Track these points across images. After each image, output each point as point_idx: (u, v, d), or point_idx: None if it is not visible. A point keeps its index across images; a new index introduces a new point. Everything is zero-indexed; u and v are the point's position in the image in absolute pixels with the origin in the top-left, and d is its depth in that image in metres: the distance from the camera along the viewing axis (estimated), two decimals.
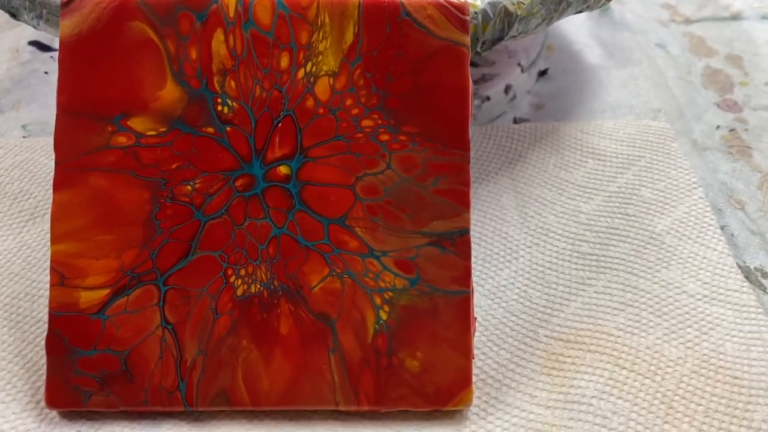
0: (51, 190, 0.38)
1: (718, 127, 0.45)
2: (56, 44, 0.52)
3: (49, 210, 0.37)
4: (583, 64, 0.51)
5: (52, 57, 0.51)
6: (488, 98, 0.45)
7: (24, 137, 0.43)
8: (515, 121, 0.45)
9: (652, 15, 0.57)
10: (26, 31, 0.52)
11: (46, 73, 0.49)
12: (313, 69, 0.30)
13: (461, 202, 0.29)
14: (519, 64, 0.47)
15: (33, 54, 0.51)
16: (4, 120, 0.45)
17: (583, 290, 0.34)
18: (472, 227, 0.36)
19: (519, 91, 0.47)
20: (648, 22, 0.56)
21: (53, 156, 0.40)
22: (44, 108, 0.46)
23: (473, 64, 0.47)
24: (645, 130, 0.43)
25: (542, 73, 0.49)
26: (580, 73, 0.49)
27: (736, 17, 0.57)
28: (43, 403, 0.29)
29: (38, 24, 0.34)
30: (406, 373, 0.29)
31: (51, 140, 0.41)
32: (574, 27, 0.54)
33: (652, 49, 0.53)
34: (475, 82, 0.45)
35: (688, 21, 0.56)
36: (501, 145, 0.42)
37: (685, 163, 0.41)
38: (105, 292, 0.29)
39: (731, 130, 0.45)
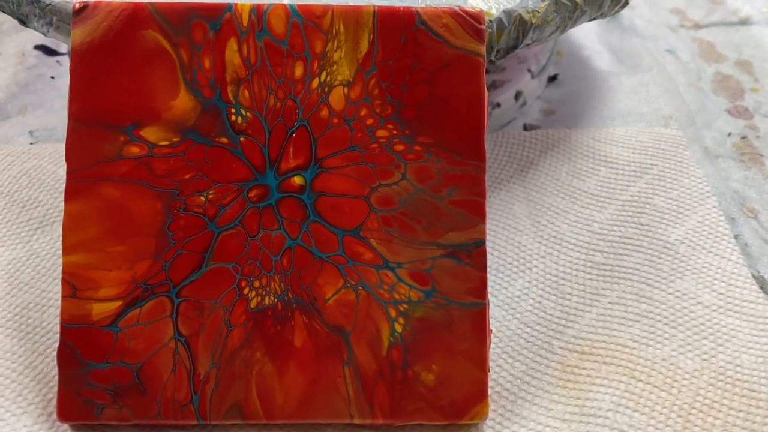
0: (60, 198, 0.38)
1: (729, 134, 0.45)
2: (63, 48, 0.51)
3: (59, 218, 0.37)
4: (593, 70, 0.50)
5: (58, 61, 0.50)
6: (499, 105, 0.45)
7: (31, 143, 0.43)
8: (525, 127, 0.45)
9: (661, 20, 0.57)
10: (32, 36, 0.52)
11: (52, 77, 0.49)
12: (328, 78, 0.29)
13: (477, 213, 0.29)
14: (529, 70, 0.47)
15: (39, 58, 0.50)
16: (11, 125, 0.45)
17: (597, 301, 0.34)
18: None
19: (529, 97, 0.47)
20: (657, 28, 0.56)
21: (62, 163, 0.40)
22: (51, 113, 0.45)
23: None
24: (657, 138, 0.42)
25: (552, 79, 0.49)
26: (590, 79, 0.49)
27: (745, 22, 0.56)
28: (54, 416, 0.29)
29: (48, 31, 0.34)
30: (421, 386, 0.28)
31: (59, 147, 0.41)
32: (584, 32, 0.54)
33: (662, 55, 0.52)
34: (486, 89, 0.45)
35: (697, 26, 0.56)
36: (512, 152, 0.42)
37: (698, 171, 0.40)
38: (117, 303, 0.28)
39: (743, 138, 0.45)
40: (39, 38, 0.52)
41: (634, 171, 0.40)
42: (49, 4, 0.33)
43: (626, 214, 0.38)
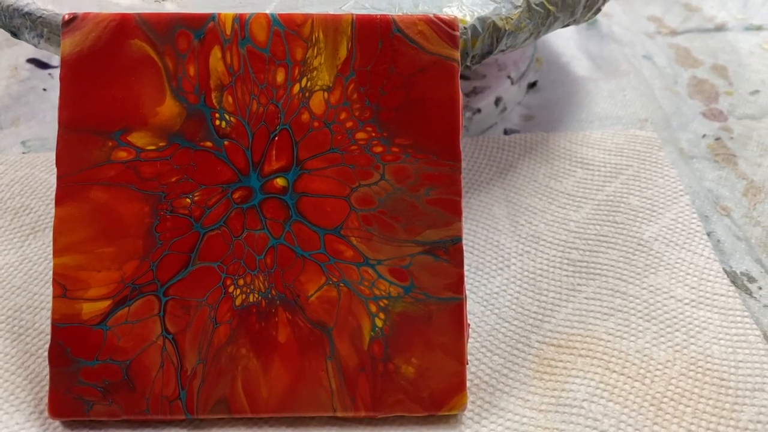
0: (51, 205, 0.39)
1: (704, 135, 0.46)
2: (54, 62, 0.52)
3: (50, 224, 0.38)
4: (572, 76, 0.52)
5: (50, 74, 0.51)
6: (479, 110, 0.46)
7: (24, 153, 0.44)
8: (506, 132, 0.46)
9: (638, 27, 0.58)
10: (24, 49, 0.53)
11: (44, 89, 0.50)
12: (308, 84, 0.30)
13: (453, 211, 0.30)
14: (509, 77, 0.48)
15: (31, 71, 0.52)
16: (3, 136, 0.46)
17: (573, 296, 0.35)
18: (465, 236, 0.37)
19: (509, 103, 0.48)
20: (635, 35, 0.57)
21: (53, 171, 0.41)
22: (43, 124, 0.47)
23: (464, 78, 0.48)
24: (632, 140, 0.44)
25: (532, 86, 0.51)
26: (569, 85, 0.51)
27: (720, 29, 0.58)
28: (46, 414, 0.30)
29: (39, 43, 0.35)
30: (401, 378, 0.29)
31: (51, 156, 0.42)
32: (563, 40, 0.55)
33: (638, 61, 0.54)
34: (467, 95, 0.46)
35: (674, 33, 0.58)
36: (492, 155, 0.43)
37: (671, 171, 0.42)
38: (106, 303, 0.29)
39: (717, 139, 0.46)
40: (31, 52, 0.53)
41: (609, 171, 0.42)
42: (40, 17, 0.34)
43: (602, 213, 0.39)
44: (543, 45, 0.55)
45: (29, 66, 0.52)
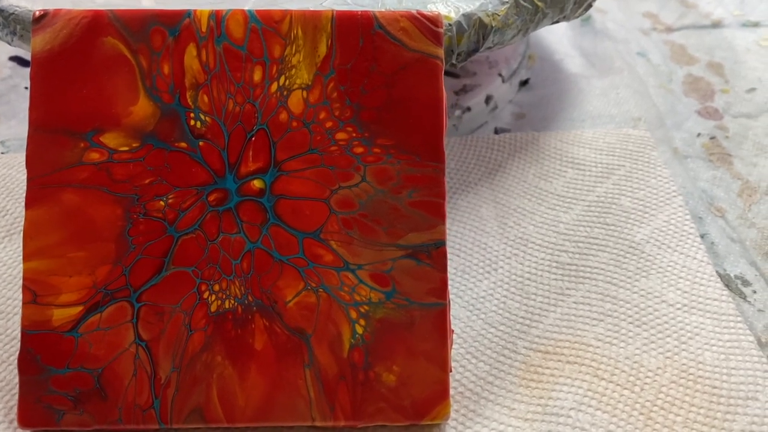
0: None
1: (698, 134, 0.45)
2: None
3: None
4: (565, 73, 0.51)
5: None
6: (469, 109, 0.45)
7: (2, 153, 0.43)
8: (496, 131, 0.45)
9: (633, 24, 0.57)
10: (6, 47, 0.52)
11: (26, 88, 0.49)
12: (287, 82, 0.30)
13: (436, 214, 0.29)
14: (500, 75, 0.47)
15: (13, 69, 0.51)
16: None
17: (562, 301, 0.34)
18: (451, 238, 0.36)
19: (500, 101, 0.47)
20: (629, 31, 0.56)
21: None
22: (24, 124, 0.45)
23: (454, 75, 0.47)
24: (625, 139, 0.43)
25: (523, 83, 0.50)
26: (562, 83, 0.50)
27: (716, 25, 0.57)
28: (16, 423, 0.29)
29: (12, 40, 0.34)
30: (382, 387, 0.28)
31: None
32: (556, 37, 0.54)
33: (633, 58, 0.53)
34: (456, 93, 0.45)
35: (669, 29, 0.57)
36: (481, 155, 0.42)
37: (664, 171, 0.41)
38: (78, 309, 0.28)
39: (712, 138, 0.45)
40: (13, 49, 0.52)
41: (601, 172, 0.41)
42: (12, 14, 0.33)
43: (592, 214, 0.38)
44: (535, 41, 0.54)
45: (11, 64, 0.51)
